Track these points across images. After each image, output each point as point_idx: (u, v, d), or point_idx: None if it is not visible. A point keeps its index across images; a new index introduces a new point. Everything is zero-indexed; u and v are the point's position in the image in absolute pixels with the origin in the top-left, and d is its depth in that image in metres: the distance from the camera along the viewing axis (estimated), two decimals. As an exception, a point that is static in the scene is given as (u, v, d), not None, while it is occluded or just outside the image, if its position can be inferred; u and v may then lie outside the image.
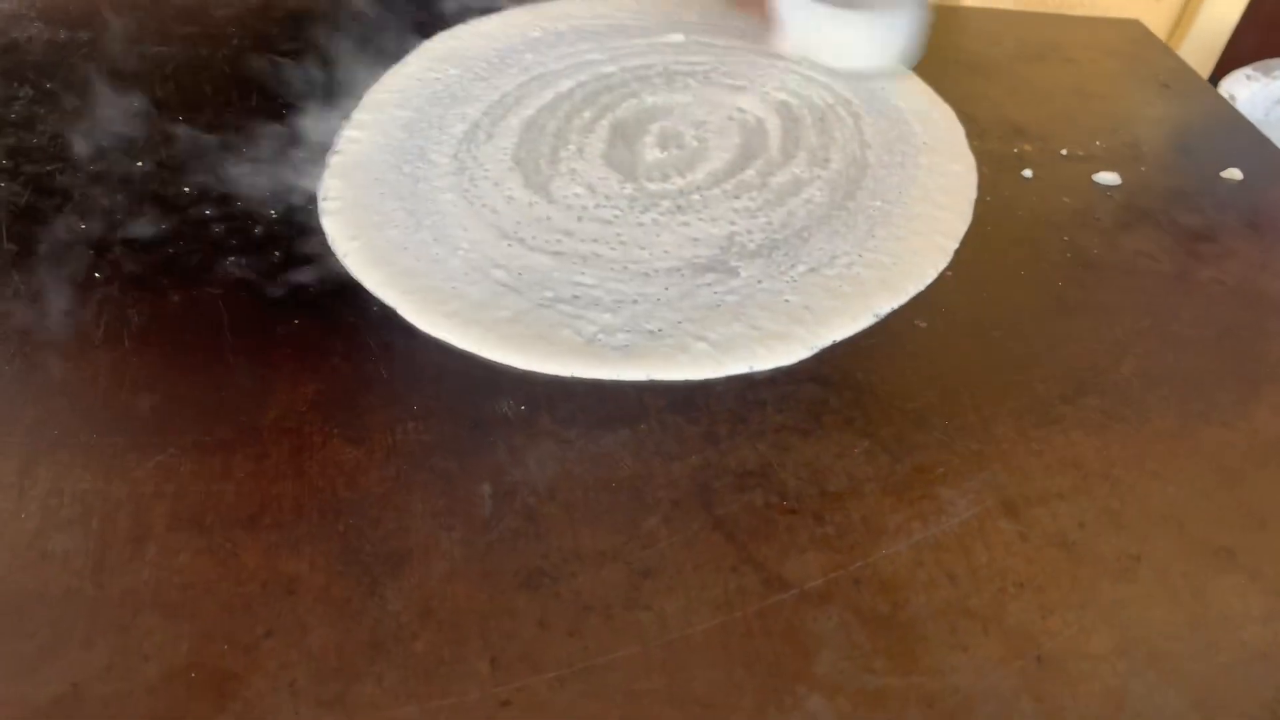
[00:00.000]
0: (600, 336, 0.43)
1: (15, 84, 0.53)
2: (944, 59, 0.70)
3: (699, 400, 0.42)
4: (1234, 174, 0.62)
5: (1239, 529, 0.40)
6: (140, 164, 0.49)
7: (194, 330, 0.42)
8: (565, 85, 0.59)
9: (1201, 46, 1.43)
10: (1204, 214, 0.58)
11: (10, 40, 0.59)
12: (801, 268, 0.48)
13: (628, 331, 0.43)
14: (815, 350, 0.44)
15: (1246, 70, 0.86)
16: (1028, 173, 0.59)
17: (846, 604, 0.35)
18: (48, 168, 0.48)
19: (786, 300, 0.46)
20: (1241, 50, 1.33)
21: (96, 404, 0.38)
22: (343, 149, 0.52)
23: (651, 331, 0.43)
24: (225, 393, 0.39)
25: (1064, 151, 0.62)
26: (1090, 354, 0.47)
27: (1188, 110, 0.70)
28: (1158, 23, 1.34)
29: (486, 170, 0.52)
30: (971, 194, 0.55)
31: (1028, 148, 0.62)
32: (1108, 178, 0.60)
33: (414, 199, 0.49)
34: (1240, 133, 0.67)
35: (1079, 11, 0.82)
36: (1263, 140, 0.66)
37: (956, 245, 0.52)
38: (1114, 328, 0.49)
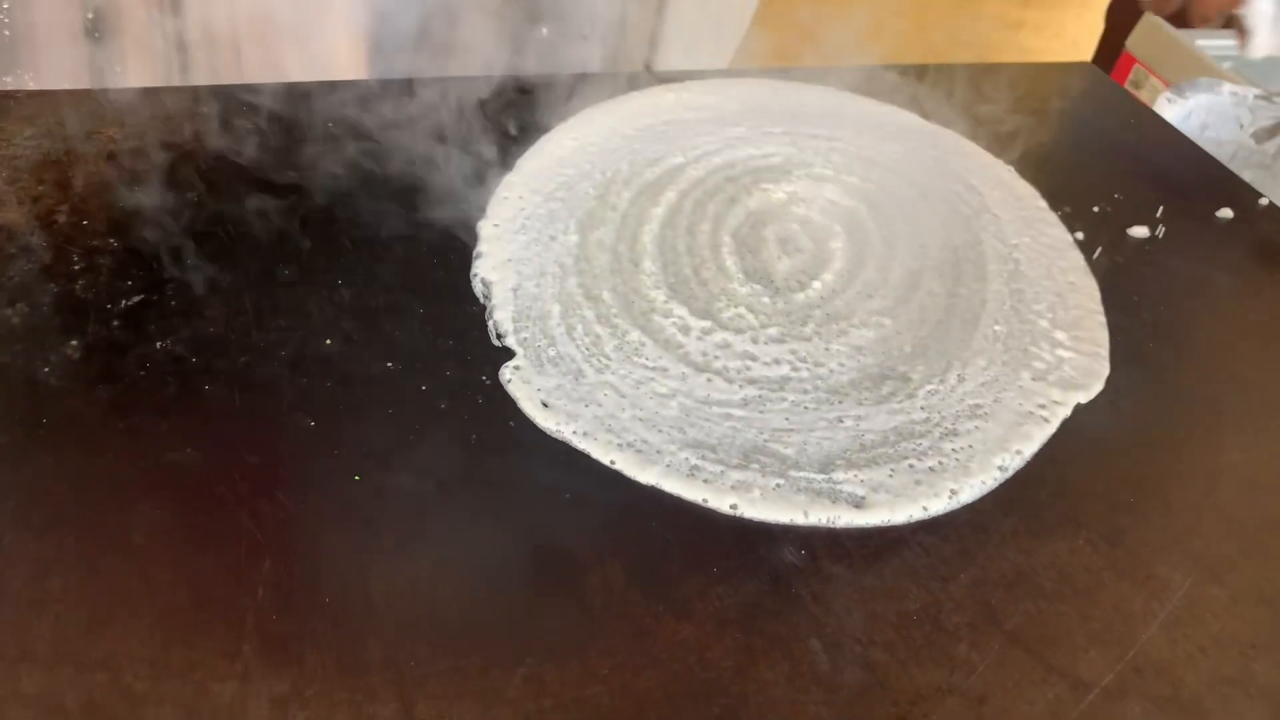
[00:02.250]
0: (840, 478, 0.45)
1: (154, 264, 0.50)
2: (959, 119, 0.75)
3: (940, 516, 0.46)
4: (1226, 213, 0.71)
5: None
6: (329, 342, 0.48)
7: (478, 525, 0.42)
8: (672, 196, 0.60)
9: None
10: (1224, 258, 0.66)
11: (120, 211, 0.54)
12: (958, 366, 0.52)
13: (856, 468, 0.46)
14: (1024, 460, 0.48)
15: (1166, 94, 0.97)
16: (1079, 235, 0.66)
17: (1139, 694, 0.40)
18: (241, 359, 0.46)
19: (966, 405, 0.50)
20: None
21: (428, 623, 0.38)
22: (496, 294, 0.52)
23: (876, 463, 0.47)
24: (533, 586, 0.40)
25: (1095, 209, 0.69)
26: (1206, 408, 0.54)
27: (1164, 152, 0.79)
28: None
29: (648, 298, 0.53)
30: (1081, 262, 0.61)
31: (1068, 209, 0.68)
32: (1139, 231, 0.67)
33: (598, 351, 0.50)
34: (1212, 171, 0.77)
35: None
36: (1232, 177, 0.76)
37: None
38: (1210, 376, 0.56)
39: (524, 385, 0.47)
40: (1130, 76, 1.31)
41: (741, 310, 0.53)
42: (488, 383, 0.47)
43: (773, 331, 0.53)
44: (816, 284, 0.56)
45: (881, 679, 0.39)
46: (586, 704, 0.36)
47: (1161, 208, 0.70)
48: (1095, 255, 0.64)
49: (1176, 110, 0.97)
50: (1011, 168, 0.70)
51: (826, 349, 0.52)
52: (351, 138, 0.61)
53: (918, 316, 0.55)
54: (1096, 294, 0.60)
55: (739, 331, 0.52)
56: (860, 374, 0.51)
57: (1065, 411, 0.51)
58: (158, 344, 0.46)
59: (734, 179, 0.63)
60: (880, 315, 0.55)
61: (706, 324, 0.52)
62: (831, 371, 0.51)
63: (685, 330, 0.52)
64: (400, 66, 0.70)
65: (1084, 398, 0.52)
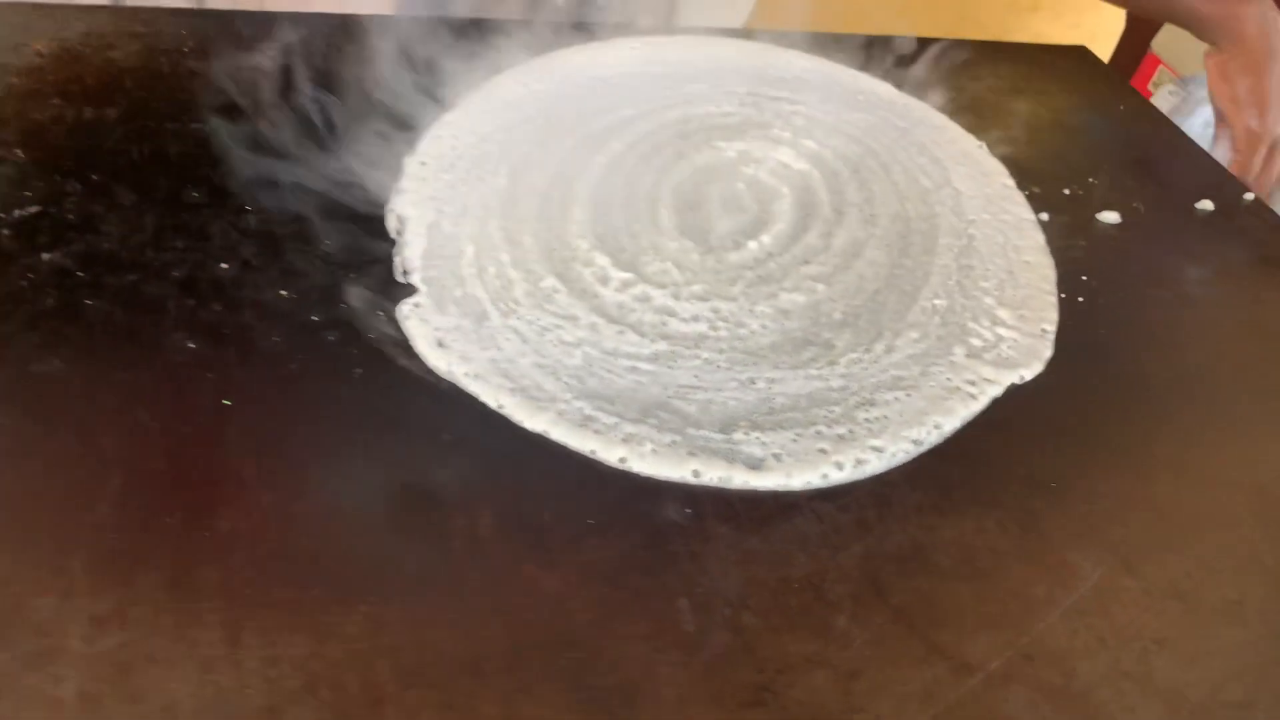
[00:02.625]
0: (740, 438, 0.43)
1: (57, 176, 0.49)
2: (936, 96, 0.73)
3: (840, 485, 0.44)
4: (1207, 205, 0.68)
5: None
6: (225, 266, 0.46)
7: (343, 462, 0.40)
8: (616, 147, 0.58)
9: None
10: (1197, 250, 0.63)
11: (32, 122, 0.53)
12: (888, 336, 0.50)
13: (760, 430, 0.44)
14: (943, 436, 0.46)
15: (1168, 86, 0.94)
16: (1044, 216, 0.63)
17: (1027, 681, 0.38)
18: (129, 278, 0.44)
19: (889, 376, 0.48)
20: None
21: (274, 552, 0.37)
22: (410, 231, 0.50)
23: (781, 427, 0.45)
24: (403, 529, 0.38)
25: (1066, 191, 0.66)
26: (1157, 397, 0.51)
27: (1154, 141, 0.76)
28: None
29: (573, 248, 0.51)
30: (1041, 241, 0.58)
31: (1036, 189, 0.65)
32: (1110, 217, 0.64)
33: (506, 295, 0.48)
34: (1200, 163, 0.73)
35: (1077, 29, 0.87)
36: (1219, 169, 0.73)
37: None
38: (1169, 369, 0.53)
39: (421, 323, 0.45)
40: (1154, 77, 1.27)
41: (668, 265, 0.51)
42: (383, 318, 0.46)
43: (697, 289, 0.50)
44: (752, 244, 0.54)
45: (748, 644, 0.37)
46: (424, 647, 0.35)
47: (1138, 195, 0.67)
48: (1058, 237, 0.61)
49: (1177, 103, 0.93)
50: (982, 144, 0.68)
51: (751, 310, 0.50)
52: (290, 68, 0.59)
53: (854, 285, 0.53)
54: (1052, 275, 0.57)
55: (661, 286, 0.50)
56: (782, 337, 0.49)
57: (996, 390, 0.49)
58: (44, 255, 0.45)
59: (686, 135, 0.61)
60: (815, 281, 0.53)
61: (628, 276, 0.50)
62: (752, 333, 0.49)
63: (604, 280, 0.50)
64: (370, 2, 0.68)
65: (1019, 377, 0.50)
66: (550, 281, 0.49)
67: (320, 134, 0.55)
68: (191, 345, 0.42)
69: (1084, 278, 0.58)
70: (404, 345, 0.45)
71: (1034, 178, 0.66)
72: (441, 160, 0.55)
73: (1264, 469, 0.48)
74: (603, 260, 0.50)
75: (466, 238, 0.50)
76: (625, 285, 0.50)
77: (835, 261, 0.54)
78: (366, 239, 0.50)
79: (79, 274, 0.44)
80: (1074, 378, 0.51)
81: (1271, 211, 0.69)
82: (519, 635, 0.36)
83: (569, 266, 0.50)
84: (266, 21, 0.62)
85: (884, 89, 0.71)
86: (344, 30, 0.63)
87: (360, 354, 0.44)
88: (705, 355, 0.47)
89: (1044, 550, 0.43)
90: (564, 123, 0.60)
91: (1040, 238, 0.60)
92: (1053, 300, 0.55)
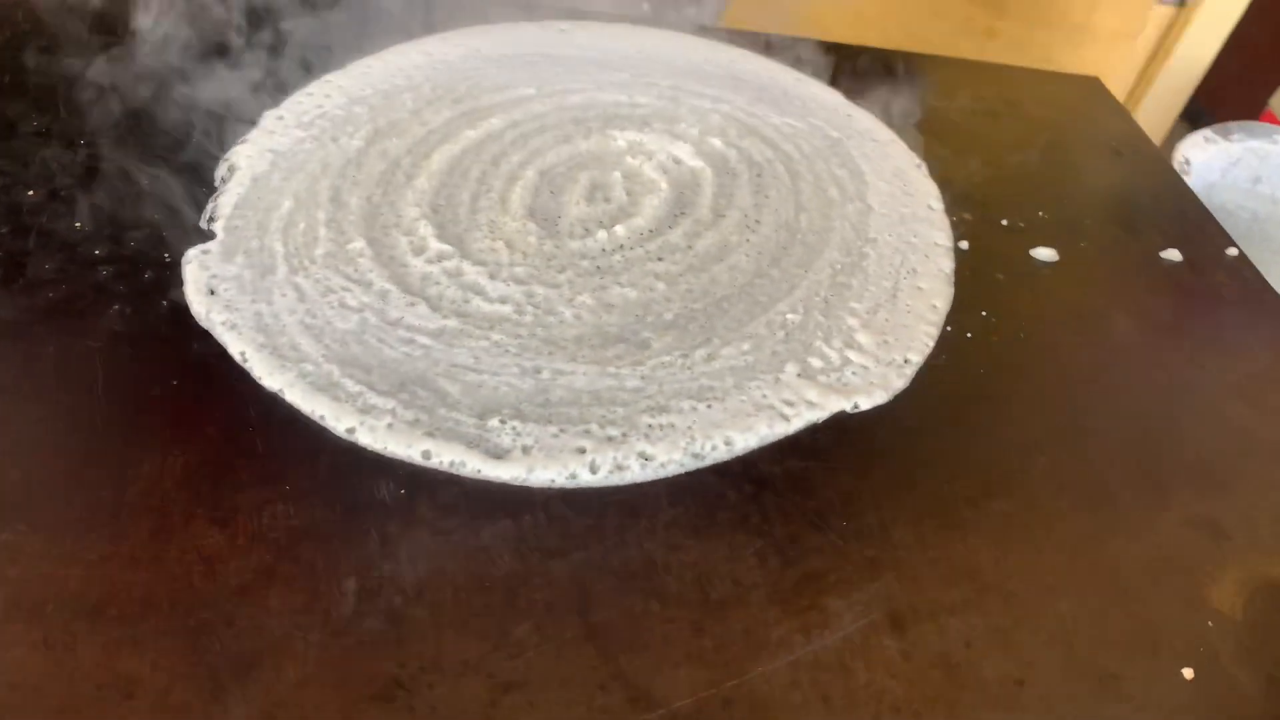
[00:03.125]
0: (494, 426, 0.41)
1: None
2: (895, 110, 0.68)
3: (591, 488, 0.41)
4: (1173, 255, 0.61)
5: (1129, 653, 0.39)
6: (31, 193, 0.47)
7: (65, 388, 0.40)
8: (496, 123, 0.57)
9: (1168, 90, 1.43)
10: (1136, 299, 0.57)
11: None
12: (715, 344, 0.47)
13: (522, 420, 0.41)
14: (709, 455, 0.43)
15: (1205, 132, 0.86)
16: (964, 244, 0.58)
17: (714, 728, 0.34)
18: (-71, 192, 0.46)
19: (698, 385, 0.45)
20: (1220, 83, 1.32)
21: None
22: (235, 180, 0.50)
23: (549, 421, 0.42)
24: (90, 461, 0.37)
25: (1004, 222, 0.61)
26: (1002, 452, 0.46)
27: (1136, 180, 0.69)
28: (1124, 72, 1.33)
29: (401, 215, 0.50)
30: (946, 269, 0.54)
31: (968, 216, 0.60)
32: (1045, 254, 0.59)
33: (305, 252, 0.47)
34: (1185, 209, 0.66)
35: (1043, 65, 0.80)
36: (1206, 217, 0.66)
37: (878, 326, 0.50)
38: (1030, 424, 0.48)
39: (200, 270, 0.44)
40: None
41: (499, 244, 0.49)
42: (168, 261, 0.45)
43: (520, 270, 0.48)
44: (601, 234, 0.51)
45: (402, 636, 0.34)
46: (53, 581, 0.34)
47: (1092, 236, 0.61)
48: (972, 268, 0.56)
49: (1215, 153, 0.85)
50: (922, 164, 0.63)
51: (570, 300, 0.47)
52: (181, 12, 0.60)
53: (702, 289, 0.50)
54: (944, 306, 0.52)
55: (480, 264, 0.48)
56: (593, 331, 0.46)
57: (817, 415, 0.45)
58: None
59: (581, 121, 0.59)
60: (658, 279, 0.50)
61: (448, 249, 0.48)
62: (561, 322, 0.46)
63: (419, 251, 0.48)
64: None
65: (852, 405, 0.46)
66: (358, 244, 0.47)
67: (192, 77, 0.55)
68: (-42, 261, 0.43)
69: (983, 313, 0.53)
70: (178, 290, 0.44)
71: (973, 204, 0.61)
72: (301, 117, 0.54)
73: (1089, 549, 0.42)
74: (426, 230, 0.49)
75: (289, 193, 0.49)
76: (440, 257, 0.48)
77: (690, 262, 0.51)
78: (191, 184, 0.49)
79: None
80: (918, 416, 0.47)
81: (1255, 271, 0.61)
82: (156, 588, 0.34)
83: (387, 233, 0.49)
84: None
85: (830, 97, 0.67)
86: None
87: (128, 292, 0.44)
88: (496, 338, 0.45)
89: (800, 591, 0.38)
90: (451, 95, 0.58)
91: (948, 266, 0.55)
92: (932, 331, 0.51)
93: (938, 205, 0.60)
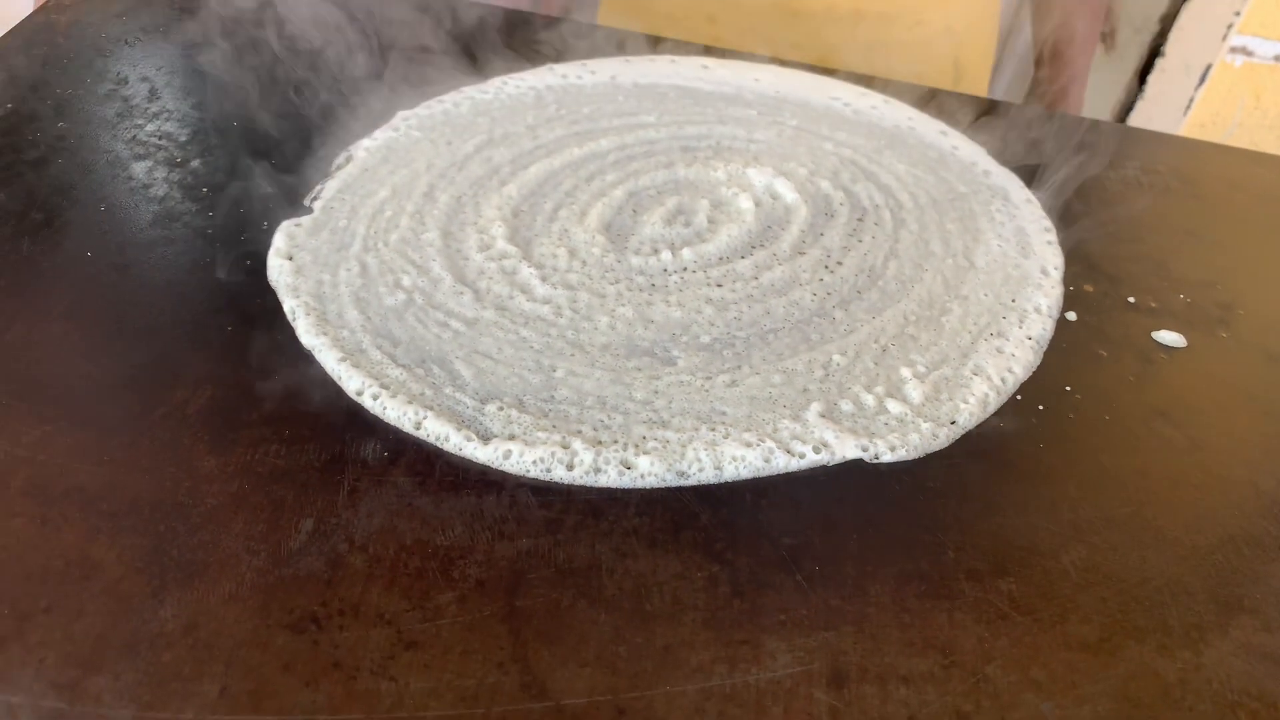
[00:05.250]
0: (491, 411, 0.43)
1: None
2: (1048, 176, 0.64)
3: (564, 483, 0.41)
4: None
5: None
6: (179, 159, 0.55)
7: (142, 316, 0.46)
8: (604, 144, 0.59)
9: None
10: (1259, 404, 0.50)
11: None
12: (744, 372, 0.46)
13: (520, 410, 0.43)
14: (693, 475, 0.42)
15: None
16: (1072, 315, 0.53)
17: (595, 732, 0.34)
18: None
19: (709, 407, 0.44)
20: None
21: (7, 368, 0.43)
22: (349, 168, 0.56)
23: (545, 415, 0.43)
24: (137, 380, 0.43)
25: (1132, 299, 0.55)
26: (1033, 531, 0.42)
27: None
28: None
29: (481, 215, 0.53)
30: (1039, 337, 0.51)
31: (1089, 288, 0.56)
32: (1170, 338, 0.53)
33: (381, 236, 0.52)
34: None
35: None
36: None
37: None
38: (1081, 508, 0.43)
39: (286, 237, 0.50)
40: None
41: (561, 251, 0.52)
42: (265, 229, 0.51)
43: (573, 278, 0.50)
44: (665, 254, 0.52)
45: (333, 580, 0.37)
46: (69, 472, 0.39)
47: (1241, 326, 0.54)
48: (1072, 341, 0.52)
49: None
50: (1051, 229, 0.59)
51: (612, 311, 0.49)
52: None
53: (752, 319, 0.49)
54: (1020, 374, 0.49)
55: (538, 266, 0.51)
56: (621, 341, 0.47)
57: (824, 458, 0.43)
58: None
59: (690, 149, 0.60)
60: (708, 304, 0.50)
61: (512, 249, 0.51)
62: (595, 329, 0.48)
63: (485, 248, 0.51)
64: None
65: (871, 455, 0.44)
66: (431, 235, 0.51)
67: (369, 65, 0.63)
68: (102, 208, 0.51)
69: (1068, 388, 0.49)
70: (264, 252, 0.50)
71: (1101, 277, 0.56)
72: (426, 120, 0.59)
73: (1103, 653, 0.38)
74: (498, 230, 0.52)
75: (390, 184, 0.54)
76: (502, 256, 0.51)
77: (749, 292, 0.51)
78: (313, 166, 0.56)
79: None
80: (945, 478, 0.44)
81: None
82: (145, 493, 0.39)
83: (462, 228, 0.52)
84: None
85: (972, 152, 0.64)
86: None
87: (222, 247, 0.50)
88: (525, 334, 0.47)
89: (741, 623, 0.37)
90: (572, 115, 0.62)
91: (1041, 333, 0.51)
92: (995, 397, 0.47)
93: (1054, 272, 0.55)
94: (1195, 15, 1.38)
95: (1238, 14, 1.35)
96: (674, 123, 0.62)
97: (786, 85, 0.68)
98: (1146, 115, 1.46)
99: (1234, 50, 1.38)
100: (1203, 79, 1.40)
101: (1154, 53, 1.42)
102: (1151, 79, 1.44)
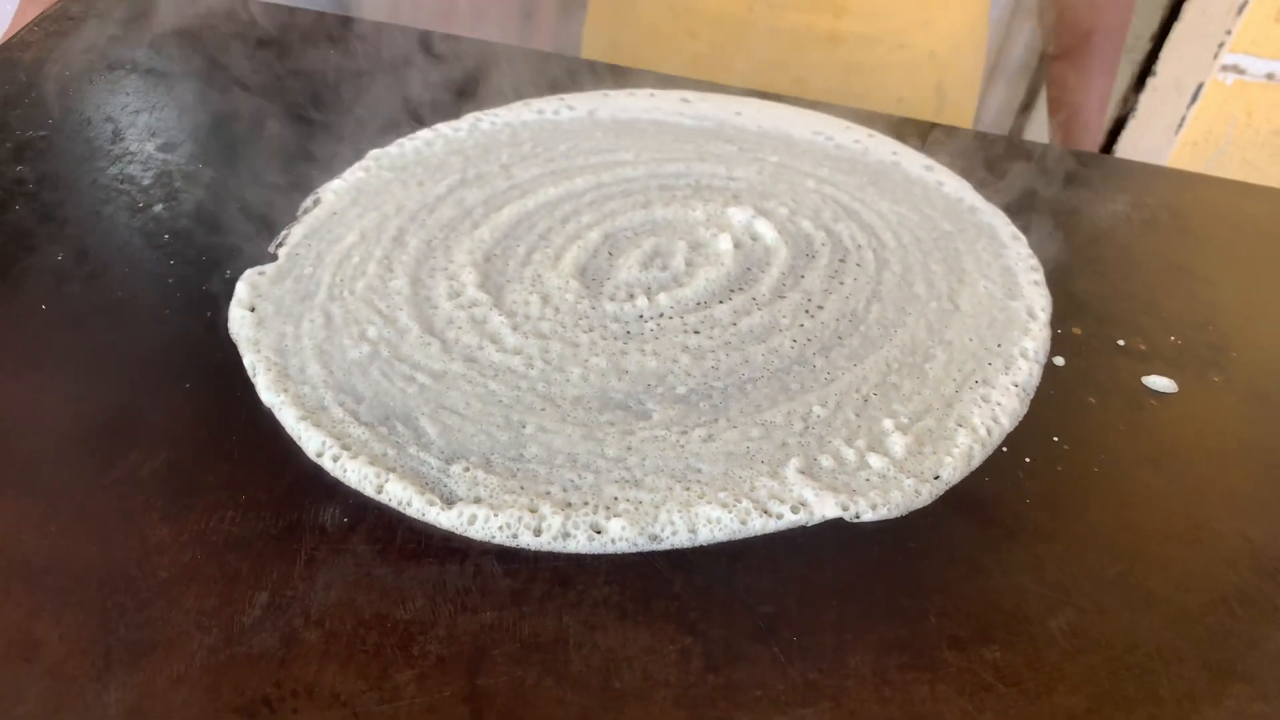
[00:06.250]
0: (456, 472, 0.42)
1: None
2: (1035, 210, 0.63)
3: (531, 549, 0.40)
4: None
5: None
6: (141, 205, 0.53)
7: (95, 374, 0.45)
8: (580, 183, 0.58)
9: None
10: (1258, 451, 0.49)
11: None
12: (721, 425, 0.45)
13: (487, 470, 0.42)
14: (667, 540, 0.41)
15: None
16: (1059, 360, 0.52)
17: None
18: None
19: (684, 464, 0.43)
20: None
21: None
22: (316, 212, 0.54)
23: (513, 475, 0.42)
24: (89, 443, 0.42)
25: (1121, 342, 0.54)
26: (1019, 594, 0.41)
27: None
28: None
29: (451, 260, 0.52)
30: (1025, 383, 0.49)
31: (1078, 330, 0.54)
32: (1160, 383, 0.52)
33: (347, 284, 0.50)
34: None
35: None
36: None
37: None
38: (1068, 567, 0.42)
39: (249, 287, 0.49)
40: None
41: (533, 298, 0.50)
42: (228, 277, 0.50)
43: (545, 326, 0.49)
44: (641, 301, 0.51)
45: (288, 658, 0.35)
46: (15, 543, 0.38)
47: (1236, 368, 0.53)
48: (1059, 387, 0.50)
49: None
50: (1039, 268, 0.57)
51: (585, 361, 0.47)
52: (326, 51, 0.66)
53: (730, 368, 0.48)
54: (1006, 424, 0.47)
55: (510, 315, 0.49)
56: (594, 394, 0.46)
57: (803, 518, 0.42)
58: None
59: (668, 188, 0.59)
60: (685, 353, 0.48)
61: (483, 296, 0.50)
62: (566, 381, 0.46)
63: (454, 295, 0.50)
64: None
65: (852, 514, 0.42)
66: (400, 283, 0.50)
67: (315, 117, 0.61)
68: (59, 257, 0.50)
69: (1055, 438, 0.48)
70: (224, 303, 0.48)
71: (1090, 318, 0.55)
72: (398, 160, 0.58)
73: None
74: (469, 277, 0.51)
75: (357, 228, 0.53)
76: (472, 304, 0.49)
77: (727, 339, 0.50)
78: (280, 209, 0.54)
79: None
80: (927, 538, 0.43)
81: None
82: (93, 565, 0.37)
83: (432, 274, 0.51)
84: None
85: (957, 187, 0.63)
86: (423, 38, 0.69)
87: (181, 300, 0.49)
88: (494, 387, 0.46)
89: (714, 700, 0.36)
90: (548, 154, 0.60)
91: (1026, 379, 0.50)
92: (980, 450, 0.46)
93: (1042, 315, 0.54)
94: (1186, 34, 1.37)
95: (1229, 33, 1.34)
96: (652, 160, 0.61)
97: (769, 119, 0.67)
98: (1138, 134, 1.46)
99: (1225, 69, 1.37)
100: (1195, 97, 1.40)
101: (1145, 71, 1.42)
102: (1143, 98, 1.43)
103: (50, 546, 0.38)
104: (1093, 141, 0.94)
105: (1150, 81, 1.43)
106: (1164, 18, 1.38)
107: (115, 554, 0.38)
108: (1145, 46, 1.40)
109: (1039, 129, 1.42)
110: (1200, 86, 1.40)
